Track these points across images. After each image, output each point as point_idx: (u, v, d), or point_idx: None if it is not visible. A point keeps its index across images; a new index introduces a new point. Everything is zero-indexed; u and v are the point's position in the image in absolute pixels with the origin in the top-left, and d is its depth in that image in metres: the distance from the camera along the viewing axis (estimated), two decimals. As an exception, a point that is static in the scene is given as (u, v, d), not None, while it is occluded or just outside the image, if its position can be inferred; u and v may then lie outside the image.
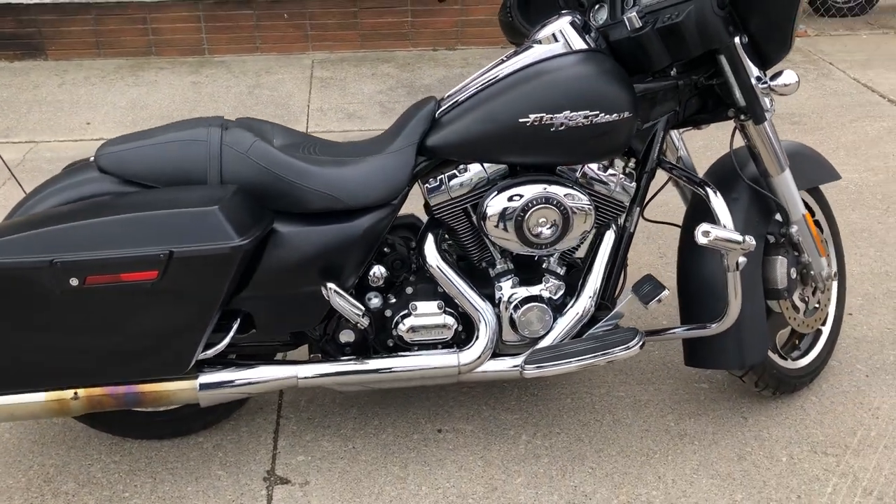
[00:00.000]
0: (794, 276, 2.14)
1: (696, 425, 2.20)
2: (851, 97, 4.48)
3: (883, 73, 4.85)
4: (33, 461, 2.08)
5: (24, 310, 1.67)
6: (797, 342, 2.32)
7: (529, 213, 1.90)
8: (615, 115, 1.87)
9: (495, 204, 1.91)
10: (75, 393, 1.84)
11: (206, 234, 1.67)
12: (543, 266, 2.06)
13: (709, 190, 1.95)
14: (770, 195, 2.06)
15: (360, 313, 1.90)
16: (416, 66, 4.98)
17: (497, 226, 1.92)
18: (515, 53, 1.98)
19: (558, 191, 1.91)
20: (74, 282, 1.64)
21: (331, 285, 1.87)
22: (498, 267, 2.05)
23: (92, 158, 1.91)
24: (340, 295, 1.87)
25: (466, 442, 2.15)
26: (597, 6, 2.06)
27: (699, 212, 2.09)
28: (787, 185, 2.06)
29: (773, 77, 1.91)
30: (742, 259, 1.86)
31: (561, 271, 2.07)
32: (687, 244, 2.11)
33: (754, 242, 1.83)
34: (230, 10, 5.01)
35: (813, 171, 2.25)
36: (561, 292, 2.04)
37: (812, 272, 2.18)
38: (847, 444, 2.13)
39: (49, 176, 1.98)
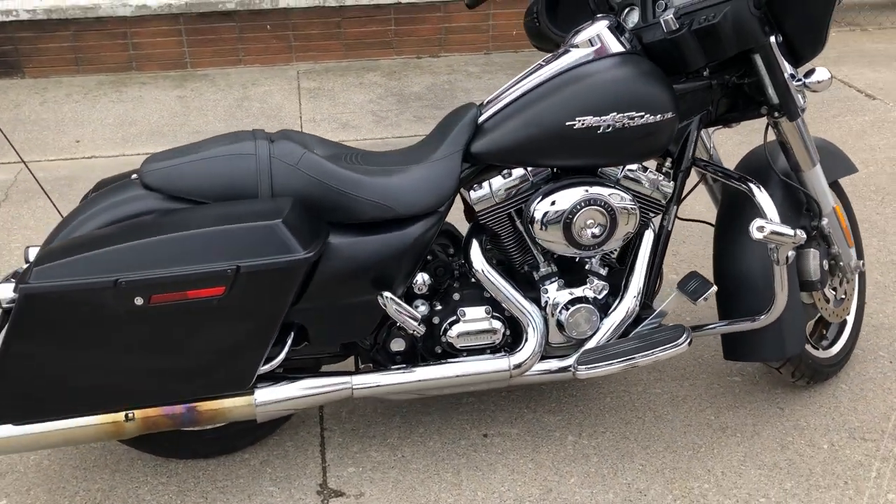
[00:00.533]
0: (825, 267, 2.20)
1: (735, 418, 2.24)
2: (830, 93, 4.59)
3: (856, 68, 5.00)
4: (78, 487, 2.04)
5: (87, 332, 1.64)
6: (824, 332, 2.38)
7: (577, 214, 1.93)
8: (659, 115, 1.90)
9: (543, 207, 1.93)
10: (131, 414, 1.81)
11: (272, 248, 1.66)
12: (586, 267, 2.08)
13: (752, 185, 1.99)
14: (803, 189, 2.11)
15: (417, 321, 1.90)
16: (402, 75, 4.98)
17: (544, 228, 1.94)
18: (554, 58, 2.00)
19: (603, 192, 1.94)
20: (139, 301, 1.61)
21: (387, 294, 1.87)
22: (542, 270, 2.07)
23: (134, 176, 1.88)
24: (397, 303, 1.87)
25: (514, 445, 2.16)
26: (627, 9, 2.10)
27: (734, 208, 2.14)
28: (818, 179, 2.12)
29: (807, 74, 1.97)
30: (791, 253, 1.90)
31: (603, 272, 2.09)
32: (723, 241, 2.15)
33: (805, 236, 1.88)
34: (212, 23, 4.96)
35: (834, 164, 2.32)
36: (605, 293, 2.07)
37: (841, 263, 2.24)
38: (883, 429, 2.19)
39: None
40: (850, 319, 2.42)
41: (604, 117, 1.88)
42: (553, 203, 1.93)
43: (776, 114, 2.02)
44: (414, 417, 2.26)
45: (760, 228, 1.83)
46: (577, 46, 1.98)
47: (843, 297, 2.32)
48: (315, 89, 4.76)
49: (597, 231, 1.95)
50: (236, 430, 2.08)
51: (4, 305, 1.73)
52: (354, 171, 1.87)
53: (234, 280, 1.63)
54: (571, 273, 2.08)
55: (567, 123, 1.88)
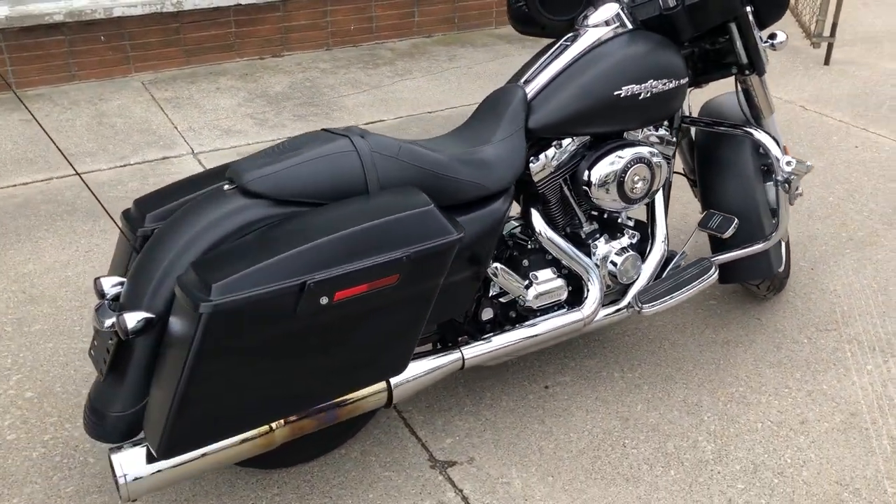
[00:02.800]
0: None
1: (730, 333, 2.65)
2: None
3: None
4: (193, 517, 1.95)
5: (270, 341, 1.61)
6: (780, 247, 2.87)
7: (629, 172, 2.19)
8: (679, 80, 2.23)
9: (600, 170, 2.17)
10: (278, 423, 1.79)
11: (431, 233, 1.73)
12: (619, 221, 2.36)
13: (750, 129, 2.37)
14: (766, 132, 2.55)
15: (524, 285, 2.06)
16: (255, 76, 4.90)
17: (601, 188, 2.19)
18: (574, 38, 2.24)
19: (644, 150, 2.22)
20: (324, 300, 1.62)
21: (496, 265, 2.00)
22: (585, 228, 2.31)
23: (227, 186, 1.84)
24: (507, 272, 2.01)
25: (575, 390, 2.39)
26: None
27: (716, 154, 2.52)
28: (775, 124, 2.56)
29: (771, 37, 2.39)
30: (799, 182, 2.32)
31: (632, 224, 2.38)
32: (715, 182, 2.51)
33: (812, 165, 2.30)
34: (38, 38, 4.53)
35: None
36: (638, 240, 2.36)
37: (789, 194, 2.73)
38: (836, 320, 2.71)
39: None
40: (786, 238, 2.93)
41: (644, 85, 2.16)
42: (611, 164, 2.17)
43: (746, 72, 2.42)
44: (475, 386, 2.40)
45: (789, 163, 2.22)
46: (593, 26, 2.24)
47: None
48: (173, 98, 4.55)
49: (641, 185, 2.23)
50: (334, 429, 2.09)
51: (131, 335, 1.64)
52: (445, 156, 1.98)
53: (406, 266, 1.69)
54: (609, 228, 2.34)
55: (615, 93, 2.14)
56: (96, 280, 1.82)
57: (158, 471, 1.71)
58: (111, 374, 1.73)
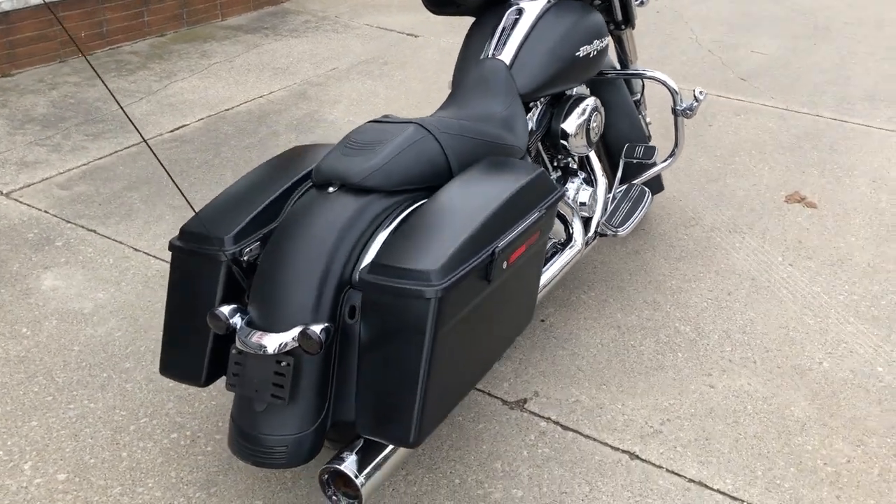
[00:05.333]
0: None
1: (632, 245, 3.20)
2: (383, 39, 5.61)
3: (379, 16, 6.10)
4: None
5: (470, 311, 1.72)
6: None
7: (591, 120, 2.58)
8: (606, 38, 2.66)
9: (572, 122, 2.54)
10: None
11: (547, 191, 1.96)
12: (572, 166, 2.74)
13: (648, 72, 2.88)
14: (643, 72, 3.08)
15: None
16: (2, 100, 4.30)
17: (577, 136, 2.55)
18: (520, 11, 2.53)
19: (593, 100, 2.63)
20: (505, 265, 1.77)
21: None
22: (553, 176, 2.66)
23: (332, 189, 1.86)
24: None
25: (565, 317, 2.75)
26: None
27: (607, 96, 3.00)
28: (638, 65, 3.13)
29: None
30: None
31: (576, 166, 2.78)
32: (614, 119, 2.99)
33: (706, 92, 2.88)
34: None
35: None
36: (585, 179, 2.77)
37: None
38: (691, 217, 3.41)
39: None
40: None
41: (591, 45, 2.55)
42: (580, 115, 2.54)
43: (622, 27, 2.93)
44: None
45: (701, 92, 2.76)
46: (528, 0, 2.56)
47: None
48: (-83, 139, 3.82)
49: (596, 128, 2.64)
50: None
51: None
52: (488, 126, 2.18)
53: (542, 223, 1.90)
54: (569, 173, 2.71)
55: (576, 54, 2.50)
56: (213, 312, 1.74)
57: (377, 465, 1.73)
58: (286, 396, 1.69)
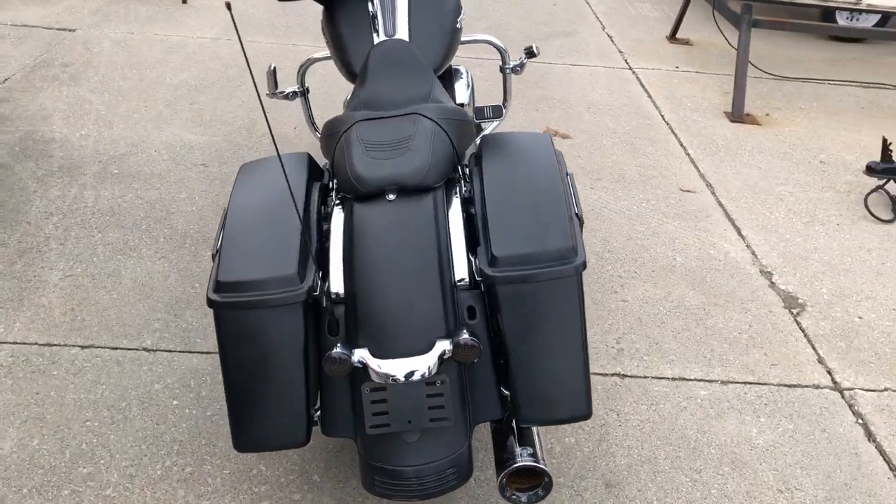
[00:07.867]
0: None
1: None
2: (36, 39, 4.84)
3: (4, 13, 5.18)
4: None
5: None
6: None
7: (471, 86, 2.70)
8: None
9: (463, 92, 2.66)
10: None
11: (558, 154, 2.07)
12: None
13: (486, 37, 3.02)
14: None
15: None
16: None
17: (468, 107, 2.66)
18: (389, -8, 2.52)
19: (463, 67, 2.75)
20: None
21: None
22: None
23: (391, 196, 1.78)
24: None
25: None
26: None
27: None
28: None
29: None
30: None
31: None
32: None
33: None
34: None
35: None
36: None
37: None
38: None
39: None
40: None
41: (459, 18, 2.65)
42: (466, 86, 2.65)
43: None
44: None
45: (538, 48, 2.99)
46: (390, -20, 2.56)
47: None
48: None
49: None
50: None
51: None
52: (453, 106, 2.19)
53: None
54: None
55: (455, 26, 2.58)
56: (331, 356, 1.62)
57: (539, 447, 1.75)
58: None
